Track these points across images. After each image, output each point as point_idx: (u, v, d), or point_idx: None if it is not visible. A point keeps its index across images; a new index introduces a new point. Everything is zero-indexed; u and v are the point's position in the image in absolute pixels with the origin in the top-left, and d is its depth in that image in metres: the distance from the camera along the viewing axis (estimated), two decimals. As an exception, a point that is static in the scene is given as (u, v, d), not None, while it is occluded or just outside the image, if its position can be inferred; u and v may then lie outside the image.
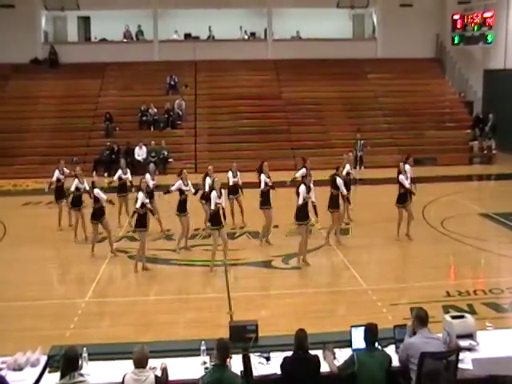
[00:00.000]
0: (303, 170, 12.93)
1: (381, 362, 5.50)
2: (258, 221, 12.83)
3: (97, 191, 11.76)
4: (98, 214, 11.79)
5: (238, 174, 13.58)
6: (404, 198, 12.53)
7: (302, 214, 10.97)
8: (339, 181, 12.00)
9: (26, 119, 23.39)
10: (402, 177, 12.42)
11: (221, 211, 10.89)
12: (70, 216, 13.87)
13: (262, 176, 12.40)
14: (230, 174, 13.54)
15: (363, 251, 12.25)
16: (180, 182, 12.04)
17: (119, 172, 13.94)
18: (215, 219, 10.81)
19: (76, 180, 12.93)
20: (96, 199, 11.79)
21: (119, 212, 13.95)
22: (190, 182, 12.24)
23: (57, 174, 14.01)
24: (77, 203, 13.04)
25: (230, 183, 13.52)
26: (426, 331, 5.63)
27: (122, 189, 13.97)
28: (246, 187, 13.76)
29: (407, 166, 12.80)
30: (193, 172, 18.22)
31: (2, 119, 23.17)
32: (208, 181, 12.27)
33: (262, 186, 12.40)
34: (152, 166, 14.12)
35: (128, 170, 14.11)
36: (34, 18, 25.96)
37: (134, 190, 13.07)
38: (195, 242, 12.70)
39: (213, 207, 10.68)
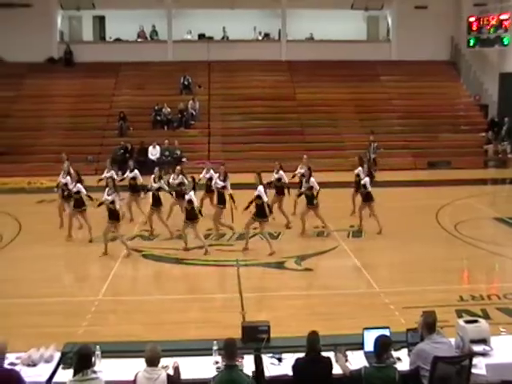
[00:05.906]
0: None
1: (389, 379, 5.28)
2: (271, 222, 12.83)
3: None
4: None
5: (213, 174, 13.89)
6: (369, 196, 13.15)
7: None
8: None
9: (41, 118, 23.60)
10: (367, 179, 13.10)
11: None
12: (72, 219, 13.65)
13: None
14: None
15: (376, 254, 12.22)
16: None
17: (127, 172, 14.35)
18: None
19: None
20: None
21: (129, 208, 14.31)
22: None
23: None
24: (78, 205, 12.90)
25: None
26: (434, 336, 5.60)
27: (131, 188, 14.20)
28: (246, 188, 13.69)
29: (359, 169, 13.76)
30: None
31: (18, 117, 23.41)
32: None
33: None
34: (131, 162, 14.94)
35: (136, 171, 14.27)
36: (50, 18, 26.15)
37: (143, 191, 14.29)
38: (208, 242, 12.66)
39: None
